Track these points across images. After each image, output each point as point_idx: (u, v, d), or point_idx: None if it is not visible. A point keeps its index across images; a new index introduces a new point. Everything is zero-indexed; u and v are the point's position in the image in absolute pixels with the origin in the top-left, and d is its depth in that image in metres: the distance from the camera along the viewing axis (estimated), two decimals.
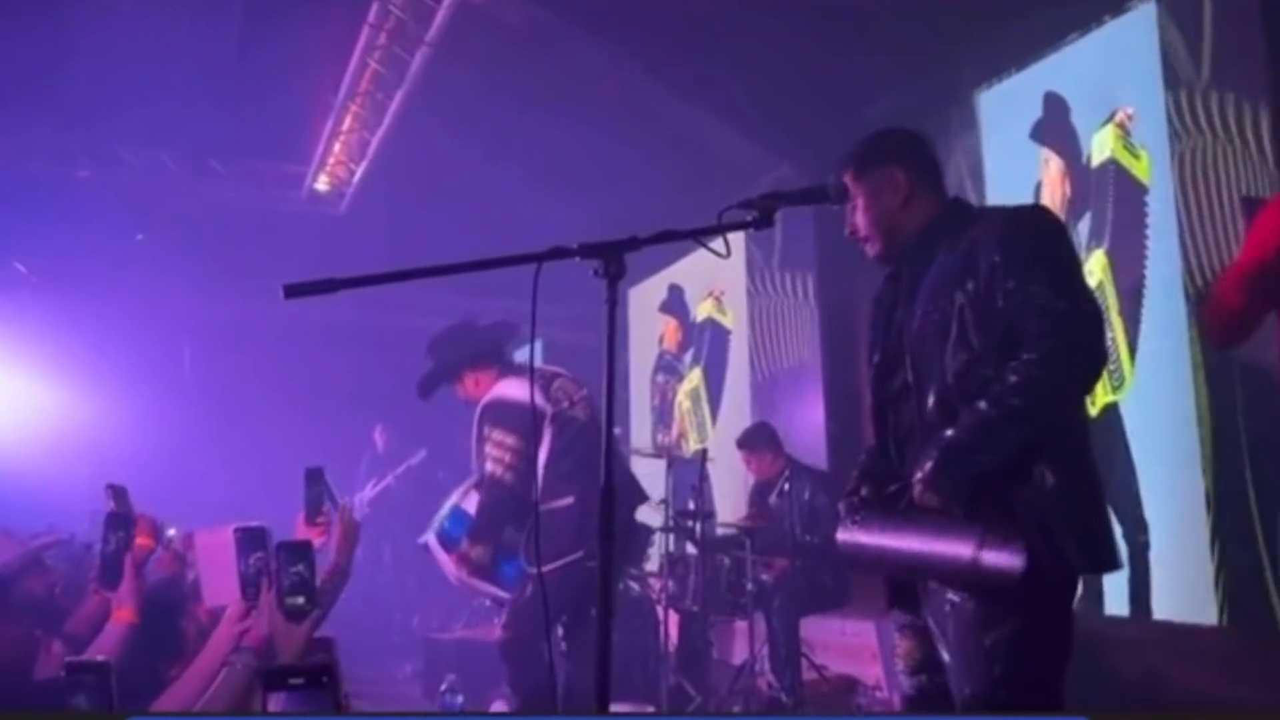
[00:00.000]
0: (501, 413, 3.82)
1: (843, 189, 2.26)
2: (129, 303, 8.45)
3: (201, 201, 7.37)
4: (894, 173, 2.23)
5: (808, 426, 6.26)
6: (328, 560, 2.95)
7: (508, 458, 3.76)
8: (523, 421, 3.73)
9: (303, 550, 2.12)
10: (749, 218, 2.08)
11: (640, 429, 8.09)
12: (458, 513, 3.95)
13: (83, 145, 6.71)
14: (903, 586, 2.12)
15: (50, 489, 8.40)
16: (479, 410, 3.92)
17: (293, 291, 1.81)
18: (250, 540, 2.43)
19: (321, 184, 7.59)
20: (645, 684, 4.82)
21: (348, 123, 6.87)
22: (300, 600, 2.12)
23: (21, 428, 8.73)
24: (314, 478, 2.87)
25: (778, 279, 6.77)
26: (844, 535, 2.01)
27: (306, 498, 2.82)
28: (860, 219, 2.26)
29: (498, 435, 3.79)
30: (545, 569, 3.24)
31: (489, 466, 3.79)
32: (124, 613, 2.41)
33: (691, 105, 6.02)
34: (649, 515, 4.66)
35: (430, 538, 3.97)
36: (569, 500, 3.74)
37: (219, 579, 2.60)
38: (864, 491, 2.11)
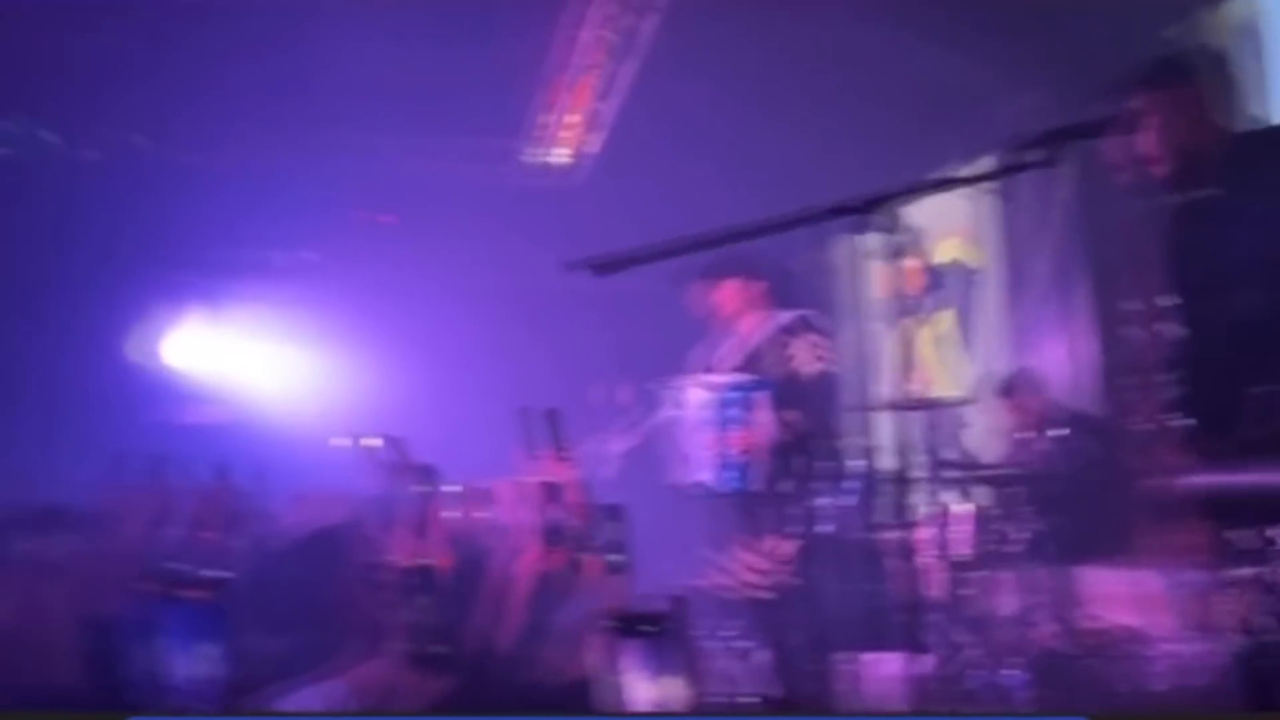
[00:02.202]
0: (811, 322, 4.21)
1: (1133, 114, 2.15)
2: (392, 282, 9.17)
3: (451, 181, 7.80)
4: (1192, 92, 2.09)
5: (1071, 368, 5.95)
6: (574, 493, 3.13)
7: (825, 354, 4.12)
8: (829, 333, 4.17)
9: (620, 511, 2.30)
10: (1032, 158, 2.01)
11: (883, 379, 7.93)
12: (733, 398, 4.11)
13: (334, 136, 7.22)
14: (1236, 538, 2.01)
15: (339, 455, 9.32)
16: (779, 324, 4.25)
17: (599, 269, 1.91)
18: (547, 492, 2.65)
19: (559, 156, 7.87)
20: (911, 634, 4.79)
21: (581, 95, 7.08)
22: (621, 558, 2.30)
23: (316, 401, 9.69)
24: (553, 417, 3.09)
25: (1032, 212, 6.43)
26: (1183, 479, 1.93)
27: (549, 435, 3.02)
28: (1151, 141, 2.13)
29: (812, 337, 4.15)
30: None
31: (806, 366, 4.07)
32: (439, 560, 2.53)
33: (928, 39, 5.79)
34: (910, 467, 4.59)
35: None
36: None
37: (518, 526, 2.84)
38: (1193, 429, 2.01)
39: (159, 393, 9.26)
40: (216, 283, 9.01)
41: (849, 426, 6.53)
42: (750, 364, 4.37)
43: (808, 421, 4.17)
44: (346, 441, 10.02)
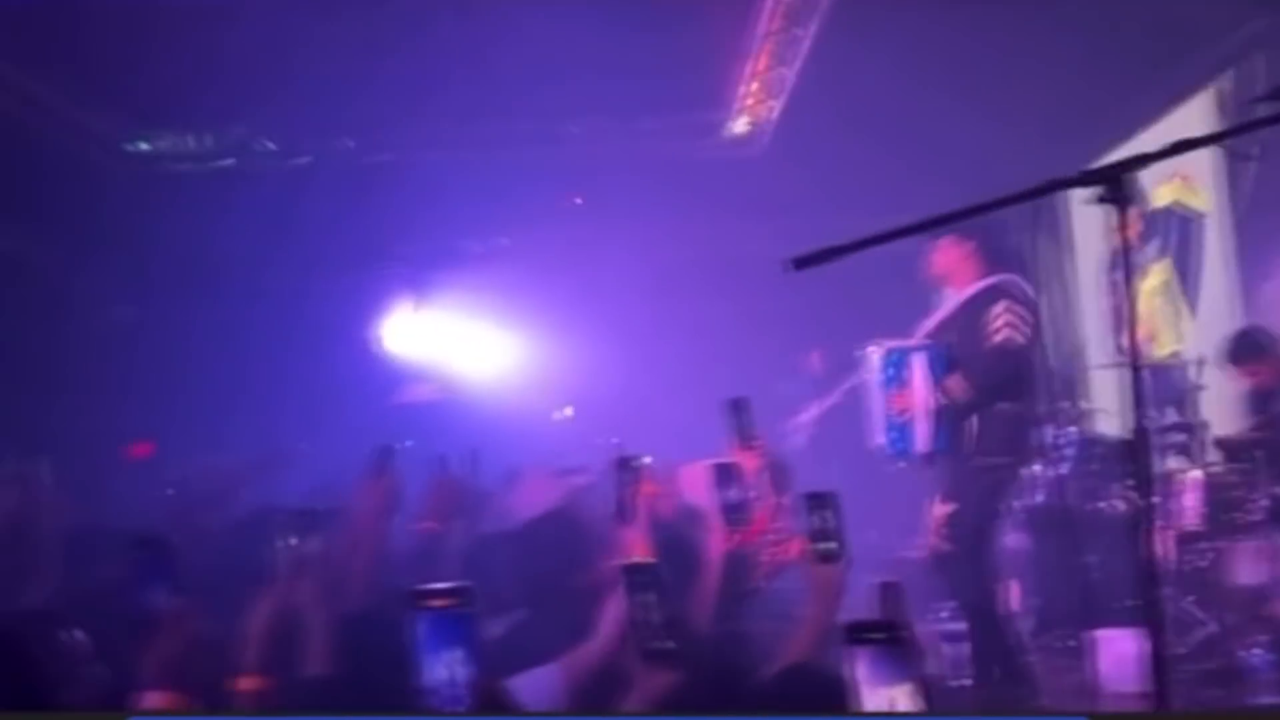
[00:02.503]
0: (1008, 289, 4.21)
1: None
2: (580, 261, 9.42)
3: (631, 160, 7.89)
4: None
5: None
6: (756, 483, 3.12)
7: (1016, 321, 4.11)
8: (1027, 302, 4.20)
9: (827, 499, 2.27)
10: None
11: (1100, 338, 7.47)
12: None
13: (522, 127, 7.44)
14: None
15: (549, 432, 9.73)
16: (978, 289, 4.27)
17: (802, 263, 1.88)
18: (725, 473, 2.67)
19: (740, 127, 7.79)
20: (1140, 607, 4.53)
21: (763, 61, 6.96)
22: (831, 545, 2.27)
23: (521, 379, 10.13)
24: (739, 406, 3.06)
25: (1262, 147, 5.85)
26: None
27: (735, 425, 3.03)
28: None
29: (1006, 303, 4.15)
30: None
31: (996, 334, 4.09)
32: (639, 549, 2.55)
33: None
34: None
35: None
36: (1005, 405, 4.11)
37: (703, 509, 2.88)
38: None
39: (378, 378, 9.97)
40: (422, 273, 9.58)
41: (1060, 390, 6.23)
42: (946, 328, 4.34)
43: (987, 387, 4.09)
44: (562, 414, 10.54)
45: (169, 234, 7.40)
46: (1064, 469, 5.20)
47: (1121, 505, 4.92)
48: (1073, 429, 5.49)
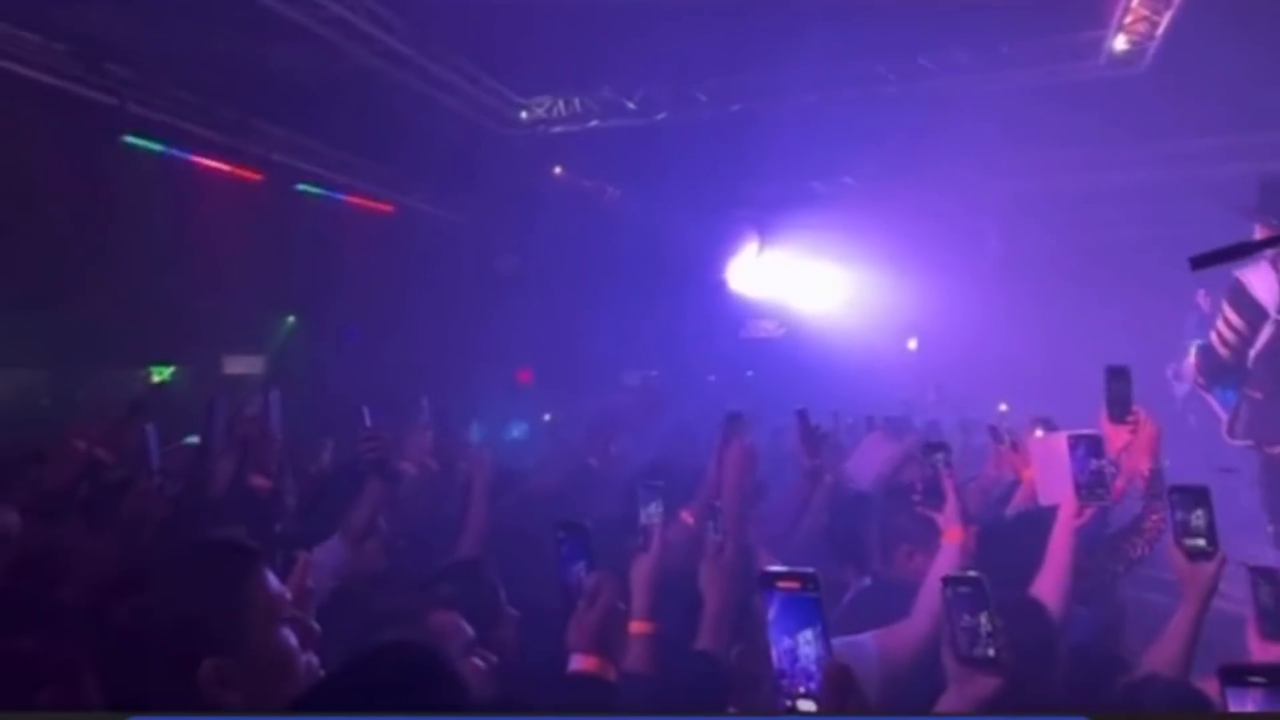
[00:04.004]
0: (1239, 298, 4.29)
1: None
2: (933, 197, 9.14)
3: (989, 91, 7.48)
4: None
5: None
6: (1131, 462, 2.87)
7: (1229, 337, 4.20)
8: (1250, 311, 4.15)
9: (1201, 495, 2.15)
10: None
11: None
12: None
13: (889, 66, 7.28)
14: None
15: (883, 368, 9.68)
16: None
17: (1200, 262, 1.75)
18: (1086, 445, 2.53)
19: (1120, 44, 7.09)
20: None
21: None
22: (1200, 542, 2.15)
23: (859, 316, 10.14)
24: (1118, 375, 2.79)
25: None
26: None
27: (1110, 396, 2.78)
28: None
29: (1230, 314, 4.30)
30: None
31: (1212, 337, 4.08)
32: (952, 532, 2.53)
33: None
34: None
35: None
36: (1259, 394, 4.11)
37: (1052, 480, 2.73)
38: None
39: (726, 314, 10.43)
40: (768, 215, 9.80)
41: None
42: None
43: None
44: (911, 344, 10.43)
45: (546, 190, 8.16)
46: None
47: None
48: None
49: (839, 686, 1.31)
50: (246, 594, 1.47)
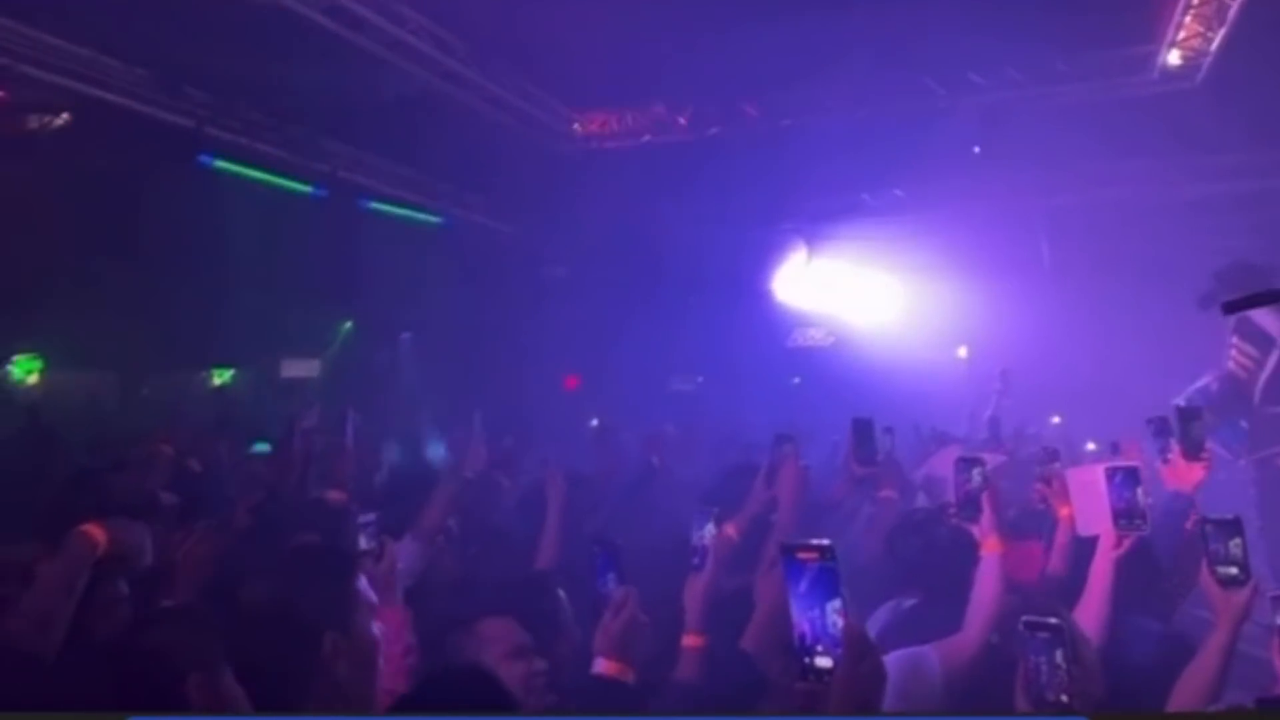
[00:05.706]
0: (1245, 327, 4.67)
1: None
2: (980, 209, 9.14)
3: (1045, 104, 7.50)
4: None
5: None
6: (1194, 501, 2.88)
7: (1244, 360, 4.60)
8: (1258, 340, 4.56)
9: (1235, 525, 2.24)
10: None
11: None
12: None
13: (938, 80, 7.34)
14: None
15: (933, 377, 9.68)
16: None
17: (1231, 308, 1.83)
18: (1123, 475, 2.60)
19: (1173, 59, 7.08)
20: None
21: None
22: (1233, 570, 2.24)
23: (909, 325, 10.15)
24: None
25: None
26: None
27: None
28: None
29: (1241, 343, 4.66)
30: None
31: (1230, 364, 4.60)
32: (990, 543, 2.58)
33: None
34: None
35: None
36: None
37: (1090, 511, 2.76)
38: None
39: (774, 323, 10.50)
40: (816, 225, 9.86)
41: None
42: None
43: None
44: (961, 353, 10.40)
45: (597, 203, 8.33)
46: None
47: None
48: None
49: (856, 647, 1.43)
50: (350, 589, 1.90)
